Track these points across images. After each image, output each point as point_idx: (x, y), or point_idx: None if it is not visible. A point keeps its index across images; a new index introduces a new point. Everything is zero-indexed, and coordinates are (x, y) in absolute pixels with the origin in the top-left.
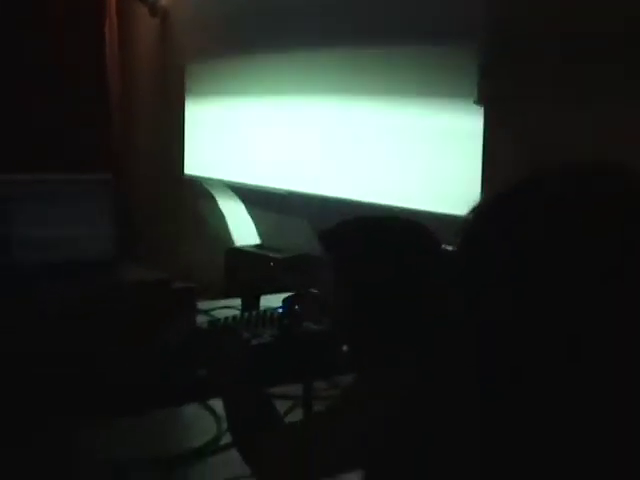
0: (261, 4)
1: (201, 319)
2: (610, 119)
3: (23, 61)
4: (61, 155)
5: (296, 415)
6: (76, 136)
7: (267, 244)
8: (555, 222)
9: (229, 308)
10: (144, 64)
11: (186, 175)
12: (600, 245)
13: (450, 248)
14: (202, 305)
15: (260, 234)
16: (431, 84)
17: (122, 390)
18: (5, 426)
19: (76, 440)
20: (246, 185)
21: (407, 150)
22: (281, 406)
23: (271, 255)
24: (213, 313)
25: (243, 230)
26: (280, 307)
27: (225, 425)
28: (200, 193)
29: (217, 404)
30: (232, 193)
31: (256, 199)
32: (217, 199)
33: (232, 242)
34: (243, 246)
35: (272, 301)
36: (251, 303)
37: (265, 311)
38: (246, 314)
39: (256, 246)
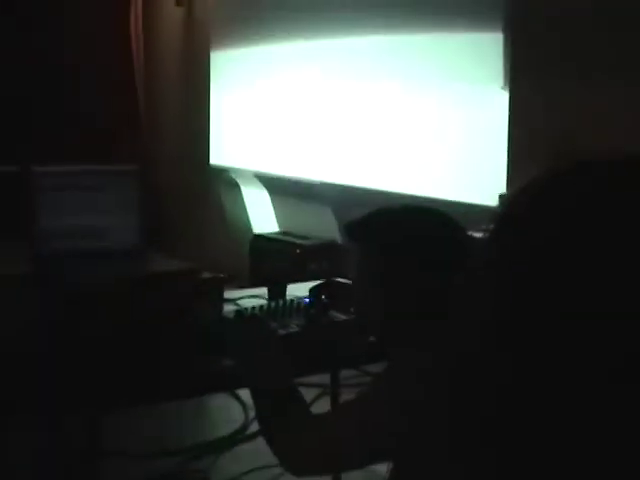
0: None
1: (228, 308)
2: (632, 101)
3: (47, 50)
4: (88, 143)
5: (323, 403)
6: (102, 124)
7: (291, 231)
8: (607, 207)
9: (256, 297)
10: (169, 52)
11: (212, 164)
12: None
13: (476, 235)
14: (229, 294)
15: (284, 222)
16: (456, 71)
17: (150, 379)
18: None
19: (101, 428)
20: (271, 175)
21: (431, 138)
22: (308, 394)
23: (297, 242)
24: (240, 302)
25: (268, 218)
26: (306, 297)
27: (252, 414)
28: (226, 181)
29: (244, 393)
30: (258, 182)
31: (281, 188)
32: (242, 187)
33: (258, 230)
34: (269, 233)
35: (298, 290)
36: (277, 292)
37: (292, 301)
38: (273, 304)
39: (281, 233)
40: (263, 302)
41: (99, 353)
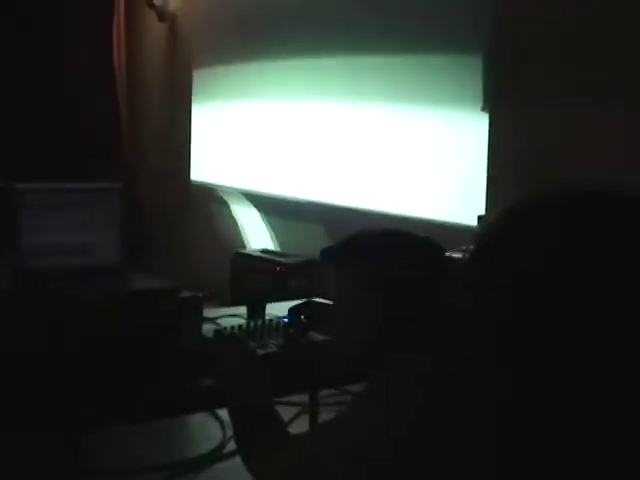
0: (269, 11)
1: (207, 327)
2: (613, 123)
3: (29, 65)
4: (69, 160)
5: (302, 422)
6: (84, 140)
7: (276, 249)
8: (571, 237)
9: (235, 316)
10: (152, 69)
11: (193, 181)
12: (612, 266)
13: (456, 255)
14: (208, 313)
15: (271, 239)
16: (437, 93)
17: (131, 398)
18: (9, 427)
19: (82, 447)
20: (256, 192)
21: (415, 159)
22: (287, 413)
23: (278, 260)
24: (219, 321)
25: (253, 235)
26: (285, 317)
27: (230, 432)
28: (207, 198)
29: (223, 412)
30: (241, 198)
31: (266, 205)
32: (224, 204)
33: (241, 247)
34: (250, 250)
35: (278, 309)
36: (257, 311)
37: (271, 320)
38: (252, 323)
39: (264, 251)
40: (242, 321)
41: (79, 371)
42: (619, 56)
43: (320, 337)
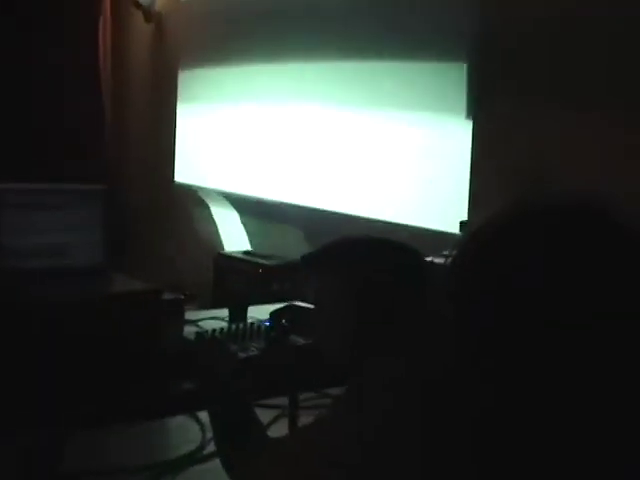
0: (256, 15)
1: (189, 330)
2: (598, 132)
3: (14, 65)
4: (53, 160)
5: (281, 425)
6: (68, 140)
7: (258, 251)
8: (554, 248)
9: (216, 319)
10: (137, 69)
11: (177, 182)
12: (591, 281)
13: (437, 260)
14: (190, 315)
15: (251, 242)
16: (423, 99)
17: (108, 400)
18: None
19: (61, 449)
20: (238, 194)
21: (397, 165)
22: (266, 416)
23: (260, 262)
24: (201, 324)
25: (234, 237)
26: (267, 320)
27: (210, 434)
28: (191, 199)
29: (202, 413)
30: (223, 200)
31: (247, 207)
32: (207, 206)
33: (222, 249)
34: (232, 252)
35: (259, 312)
36: (238, 314)
37: (252, 323)
38: (233, 326)
39: (245, 252)
40: (224, 324)
41: (58, 372)
42: (605, 66)
43: (301, 341)
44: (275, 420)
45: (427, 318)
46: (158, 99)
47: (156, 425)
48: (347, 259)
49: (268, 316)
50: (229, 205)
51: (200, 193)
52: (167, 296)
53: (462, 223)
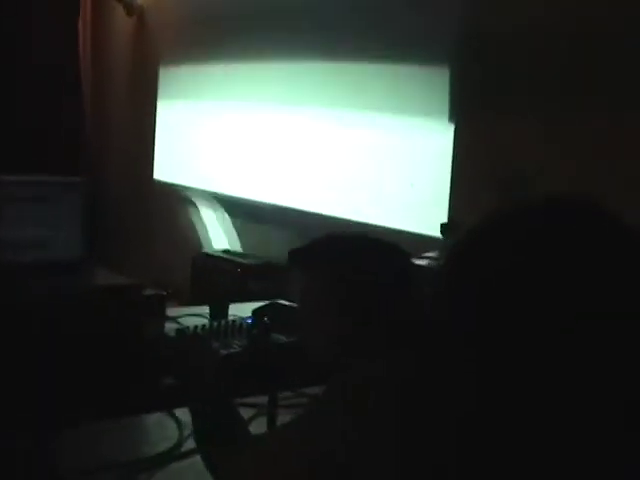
0: (239, 12)
1: (169, 326)
2: (578, 140)
3: None
4: (32, 155)
5: (259, 423)
6: (47, 135)
7: (237, 251)
8: (539, 253)
9: (197, 316)
10: (118, 64)
11: (156, 179)
12: (579, 281)
13: (419, 262)
14: (170, 312)
15: (231, 241)
16: (404, 102)
17: (87, 397)
18: None
19: (36, 447)
20: (218, 193)
21: (379, 167)
22: (244, 415)
23: (239, 261)
24: (181, 321)
25: (213, 236)
26: (249, 318)
27: (187, 432)
28: (170, 197)
29: (180, 411)
30: (203, 199)
31: (228, 206)
32: (187, 204)
33: (201, 247)
34: (211, 251)
35: (240, 310)
36: (219, 311)
37: (234, 321)
38: (215, 323)
39: (225, 251)
40: (205, 321)
41: (36, 368)
42: (588, 71)
43: (283, 339)
44: (253, 418)
45: (412, 318)
46: (138, 94)
47: (132, 422)
48: (334, 256)
49: (250, 314)
50: (209, 203)
51: (179, 191)
52: (149, 291)
53: (443, 225)
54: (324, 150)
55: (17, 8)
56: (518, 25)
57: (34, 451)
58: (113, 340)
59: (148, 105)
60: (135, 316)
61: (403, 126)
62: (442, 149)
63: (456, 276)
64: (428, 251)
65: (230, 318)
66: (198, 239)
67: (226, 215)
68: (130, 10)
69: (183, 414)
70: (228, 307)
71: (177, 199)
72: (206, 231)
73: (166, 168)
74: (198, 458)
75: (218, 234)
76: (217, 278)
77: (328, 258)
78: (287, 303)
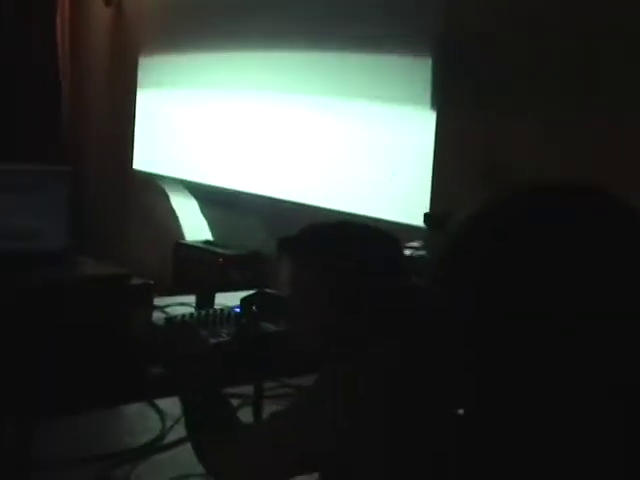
0: (218, 1)
1: (157, 315)
2: (561, 133)
3: None
4: (10, 145)
5: (245, 413)
6: (26, 126)
7: (218, 241)
8: (540, 235)
9: (184, 305)
10: (97, 54)
11: (135, 169)
12: (578, 263)
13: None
14: (156, 302)
15: (211, 231)
16: (386, 91)
17: (74, 387)
18: None
19: (18, 435)
20: (197, 183)
21: (358, 156)
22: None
23: (220, 251)
24: (168, 310)
25: (193, 226)
26: (237, 307)
27: (169, 423)
28: (150, 187)
29: (162, 402)
30: (182, 189)
31: (207, 196)
32: (167, 194)
33: (181, 237)
34: (192, 241)
35: (226, 299)
36: (206, 301)
37: (222, 310)
38: (203, 312)
39: (205, 242)
40: (192, 310)
41: (25, 358)
42: (572, 66)
43: (272, 328)
44: (238, 409)
45: (402, 306)
46: (118, 84)
47: (114, 413)
48: (324, 245)
49: (236, 303)
50: (189, 193)
51: (158, 181)
52: (136, 281)
53: (426, 215)
54: (305, 138)
55: None
56: (501, 15)
57: (15, 439)
58: (101, 330)
59: (128, 95)
60: (123, 305)
61: (385, 115)
62: (424, 139)
63: (454, 264)
64: (410, 241)
65: (218, 307)
66: (178, 229)
67: (204, 205)
68: (108, 0)
69: (166, 405)
70: (214, 297)
71: (156, 189)
72: (186, 221)
73: (146, 158)
74: (181, 450)
75: (198, 224)
76: (199, 268)
77: (318, 246)
78: (274, 292)
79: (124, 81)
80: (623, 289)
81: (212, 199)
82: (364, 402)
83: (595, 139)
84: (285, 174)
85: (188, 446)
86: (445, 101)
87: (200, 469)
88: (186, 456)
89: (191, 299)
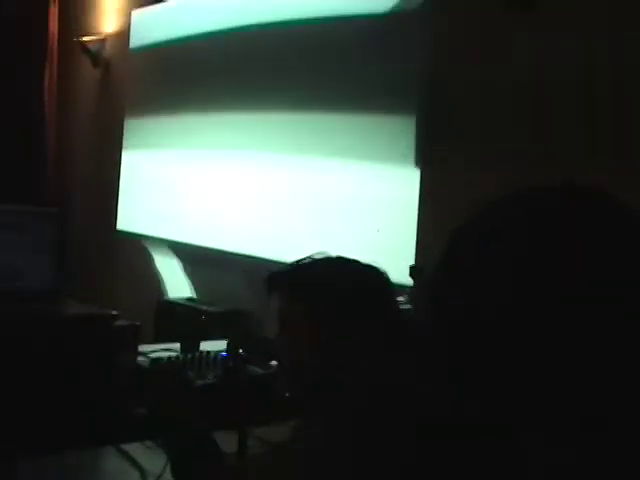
0: (204, 64)
1: (142, 359)
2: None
3: None
4: None
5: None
6: (9, 184)
7: (201, 299)
8: (540, 237)
9: (169, 350)
10: (84, 114)
11: (119, 230)
12: (582, 264)
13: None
14: (140, 348)
15: (194, 289)
16: (369, 151)
17: (59, 428)
18: None
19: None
20: (180, 243)
21: (343, 214)
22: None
23: (203, 309)
24: (152, 355)
25: (176, 284)
26: (223, 351)
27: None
28: (133, 247)
29: (142, 459)
30: (166, 247)
31: (189, 255)
32: (150, 253)
33: (165, 295)
34: (174, 298)
35: (211, 347)
36: (191, 346)
37: (208, 352)
38: (189, 355)
39: (188, 299)
40: (178, 354)
41: (7, 397)
42: (557, 121)
43: (259, 371)
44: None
45: (390, 339)
46: (103, 145)
47: (94, 471)
48: (312, 279)
49: (223, 349)
50: (171, 253)
51: (142, 241)
52: (122, 322)
53: (412, 267)
54: (290, 197)
55: None
56: (486, 75)
57: None
58: (85, 370)
59: (113, 156)
60: (108, 346)
61: (370, 173)
62: (408, 195)
63: (445, 284)
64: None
65: (204, 350)
66: (162, 287)
67: (187, 263)
68: (96, 62)
69: (146, 462)
70: (199, 343)
71: (138, 249)
72: (170, 279)
73: (129, 218)
74: None
75: (181, 282)
76: (182, 325)
77: (306, 281)
78: (261, 335)
79: (110, 141)
80: (623, 289)
81: (195, 258)
82: (358, 443)
83: None
84: (269, 233)
85: None
86: (429, 158)
87: None
88: None
89: (176, 346)
